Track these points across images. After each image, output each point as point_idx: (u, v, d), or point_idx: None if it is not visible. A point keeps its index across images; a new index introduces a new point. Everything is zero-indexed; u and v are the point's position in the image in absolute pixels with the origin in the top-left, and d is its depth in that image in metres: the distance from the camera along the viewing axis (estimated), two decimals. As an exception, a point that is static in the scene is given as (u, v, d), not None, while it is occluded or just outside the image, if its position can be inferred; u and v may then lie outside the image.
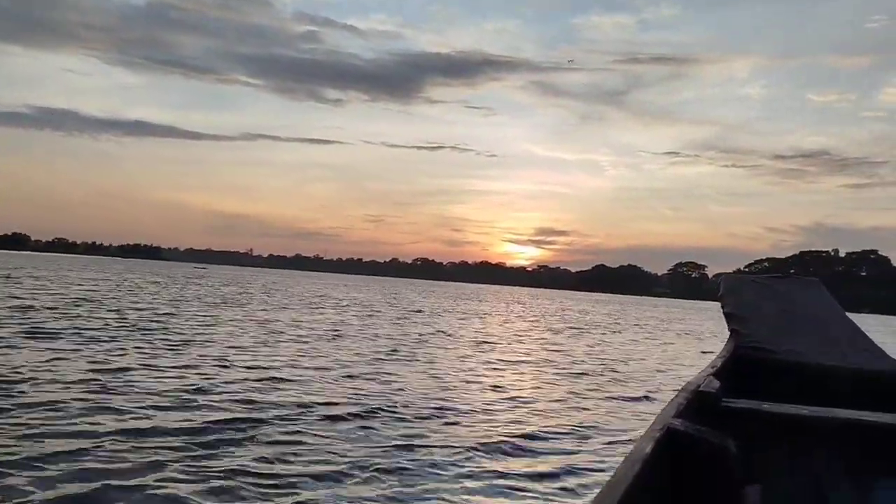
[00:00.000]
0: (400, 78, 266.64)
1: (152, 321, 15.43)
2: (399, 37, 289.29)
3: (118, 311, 17.51)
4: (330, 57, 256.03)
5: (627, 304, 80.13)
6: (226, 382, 8.25)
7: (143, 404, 6.68)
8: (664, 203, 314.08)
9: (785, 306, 4.74)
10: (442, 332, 19.23)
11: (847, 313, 4.70)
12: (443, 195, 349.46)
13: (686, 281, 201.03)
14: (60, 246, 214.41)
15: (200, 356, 10.30)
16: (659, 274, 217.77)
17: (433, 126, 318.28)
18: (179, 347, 11.17)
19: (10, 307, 15.87)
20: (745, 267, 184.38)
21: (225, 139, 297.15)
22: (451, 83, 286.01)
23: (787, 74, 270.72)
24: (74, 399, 6.65)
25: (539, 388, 9.90)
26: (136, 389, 7.41)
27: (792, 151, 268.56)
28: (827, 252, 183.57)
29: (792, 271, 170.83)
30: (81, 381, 7.59)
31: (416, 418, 7.05)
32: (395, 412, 7.24)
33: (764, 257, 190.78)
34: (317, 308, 26.43)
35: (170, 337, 12.58)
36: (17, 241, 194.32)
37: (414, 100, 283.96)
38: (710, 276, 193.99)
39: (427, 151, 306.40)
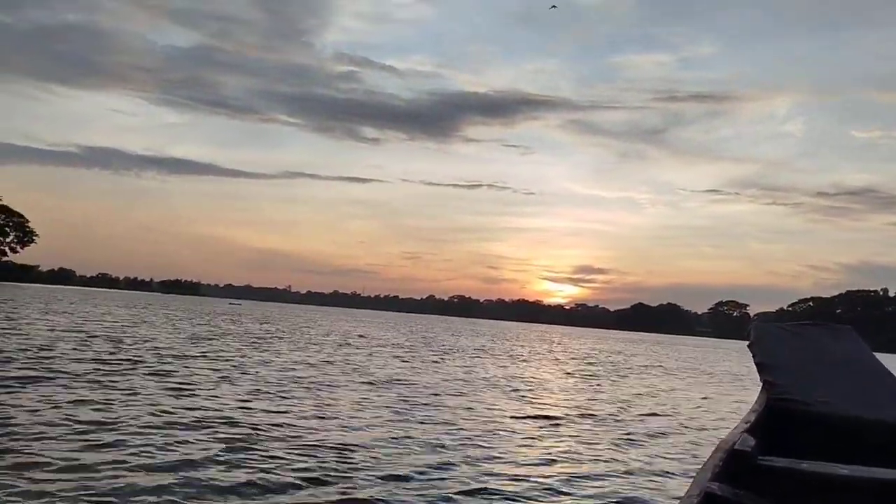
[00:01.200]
0: (438, 117, 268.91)
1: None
2: (437, 76, 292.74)
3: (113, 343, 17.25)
4: (369, 96, 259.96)
5: (668, 345, 78.19)
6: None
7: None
8: (704, 241, 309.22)
9: (817, 355, 4.55)
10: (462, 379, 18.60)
11: None
12: (480, 233, 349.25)
13: (728, 320, 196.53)
14: (104, 281, 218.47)
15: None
16: (699, 313, 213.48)
17: (471, 164, 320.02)
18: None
19: None
20: (789, 306, 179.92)
21: (265, 177, 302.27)
22: (488, 122, 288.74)
23: (829, 111, 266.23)
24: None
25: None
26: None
27: (835, 189, 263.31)
28: (875, 291, 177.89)
29: (838, 311, 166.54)
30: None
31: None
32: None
33: (808, 296, 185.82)
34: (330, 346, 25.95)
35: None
36: (63, 277, 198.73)
37: (451, 138, 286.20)
38: (752, 314, 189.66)
39: (464, 189, 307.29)
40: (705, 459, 2.64)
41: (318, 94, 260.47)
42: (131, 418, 8.09)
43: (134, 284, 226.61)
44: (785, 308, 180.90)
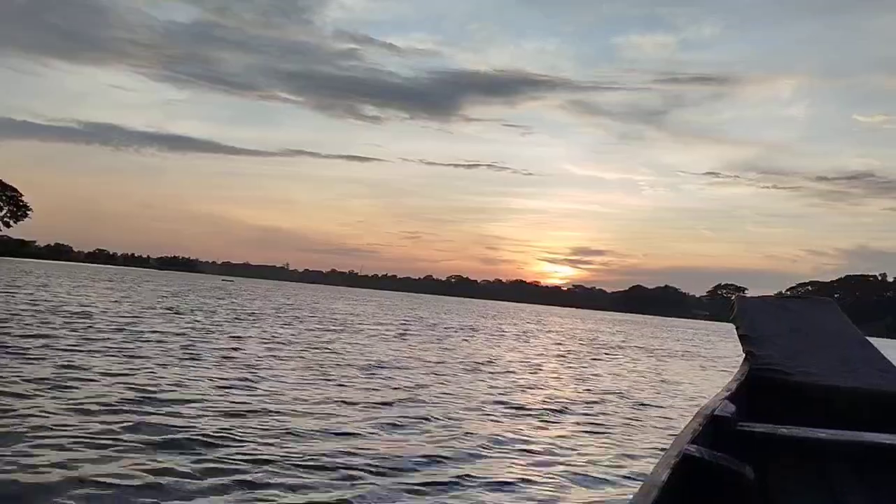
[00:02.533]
0: (438, 96, 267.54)
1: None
2: (438, 55, 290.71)
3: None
4: (369, 74, 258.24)
5: (665, 327, 77.73)
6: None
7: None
8: (703, 224, 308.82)
9: (799, 327, 4.65)
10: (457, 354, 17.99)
11: None
12: (479, 213, 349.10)
13: (726, 303, 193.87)
14: (101, 257, 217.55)
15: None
16: (697, 296, 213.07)
17: (471, 144, 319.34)
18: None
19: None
20: (787, 290, 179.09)
21: (265, 154, 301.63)
22: (489, 101, 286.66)
23: (832, 95, 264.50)
24: None
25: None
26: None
27: (835, 173, 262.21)
28: (874, 276, 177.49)
29: (837, 295, 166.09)
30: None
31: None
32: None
33: (806, 280, 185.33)
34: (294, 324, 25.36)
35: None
36: (59, 252, 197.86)
37: (452, 118, 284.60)
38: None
39: (464, 169, 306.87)
40: (685, 424, 2.64)
41: (318, 71, 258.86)
42: None
43: (131, 261, 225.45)
44: (784, 292, 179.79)
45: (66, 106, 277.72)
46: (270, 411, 7.76)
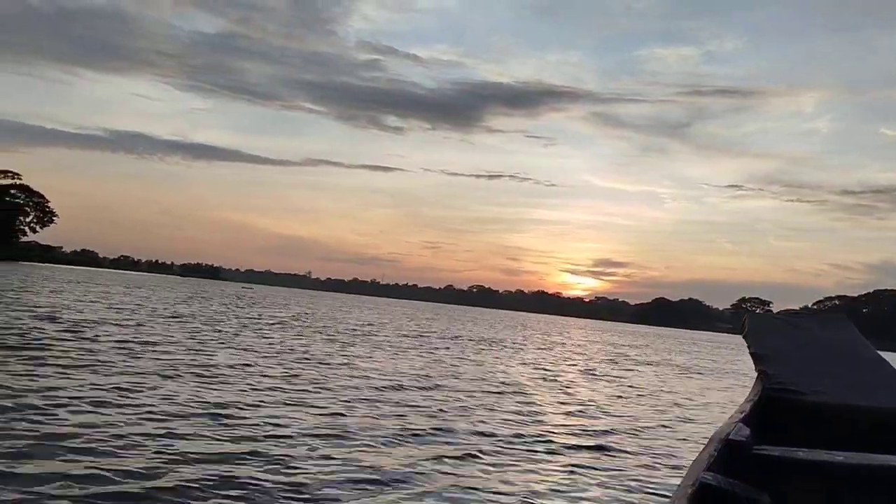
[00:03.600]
0: (460, 107, 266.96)
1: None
2: (460, 66, 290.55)
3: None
4: (392, 85, 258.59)
5: (697, 342, 76.46)
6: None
7: None
8: (725, 237, 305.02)
9: (812, 345, 4.57)
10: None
11: None
12: (501, 224, 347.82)
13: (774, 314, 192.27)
14: (126, 263, 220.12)
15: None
16: (721, 308, 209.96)
17: (492, 155, 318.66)
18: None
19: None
20: (814, 304, 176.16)
21: (288, 164, 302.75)
22: (511, 113, 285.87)
23: (857, 108, 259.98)
24: None
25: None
26: None
27: (861, 187, 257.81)
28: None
29: (865, 310, 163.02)
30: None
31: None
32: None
33: (833, 295, 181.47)
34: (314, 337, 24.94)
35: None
36: (85, 258, 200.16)
37: (474, 129, 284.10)
38: (775, 312, 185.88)
39: (486, 180, 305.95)
40: (700, 450, 2.60)
41: (341, 81, 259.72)
42: None
43: (155, 267, 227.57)
44: (810, 306, 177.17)
45: (92, 114, 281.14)
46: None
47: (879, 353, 4.45)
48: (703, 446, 2.70)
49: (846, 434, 3.50)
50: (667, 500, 1.88)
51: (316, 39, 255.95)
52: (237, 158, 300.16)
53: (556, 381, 15.26)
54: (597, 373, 19.13)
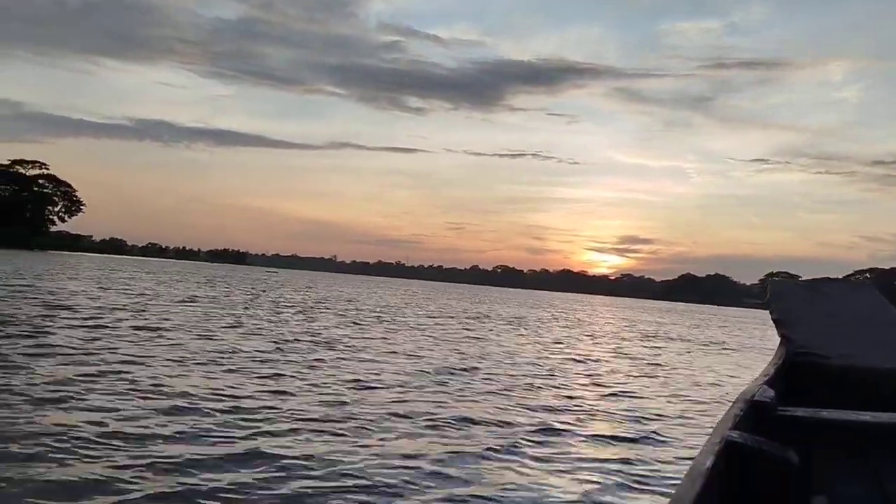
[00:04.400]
0: (482, 86, 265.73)
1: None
2: (481, 45, 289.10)
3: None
4: (413, 66, 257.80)
5: (726, 318, 75.52)
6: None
7: None
8: (752, 211, 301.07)
9: (835, 310, 4.57)
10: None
11: None
12: (524, 203, 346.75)
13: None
14: (153, 251, 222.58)
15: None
16: (748, 284, 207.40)
17: (515, 134, 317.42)
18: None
19: None
20: (843, 277, 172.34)
21: (311, 147, 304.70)
22: (532, 91, 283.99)
23: (886, 76, 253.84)
24: None
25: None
26: None
27: (892, 157, 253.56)
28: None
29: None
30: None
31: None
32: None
33: (865, 267, 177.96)
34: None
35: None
36: (114, 246, 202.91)
37: (496, 108, 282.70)
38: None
39: (508, 159, 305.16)
40: (725, 410, 2.59)
41: (362, 64, 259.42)
42: None
43: (182, 254, 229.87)
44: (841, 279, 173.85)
45: (118, 104, 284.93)
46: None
47: None
48: (728, 407, 2.69)
49: (870, 395, 3.49)
50: (692, 459, 1.75)
51: (337, 22, 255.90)
52: (261, 144, 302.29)
53: (586, 364, 14.92)
54: (639, 358, 18.76)
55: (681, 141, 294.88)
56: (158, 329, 13.39)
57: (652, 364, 15.54)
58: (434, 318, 26.58)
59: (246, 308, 22.52)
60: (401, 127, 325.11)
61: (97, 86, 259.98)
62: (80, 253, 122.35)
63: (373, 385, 9.04)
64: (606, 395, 10.02)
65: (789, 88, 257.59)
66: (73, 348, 9.78)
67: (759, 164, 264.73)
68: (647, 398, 10.07)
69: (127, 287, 28.31)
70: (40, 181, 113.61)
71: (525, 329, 24.57)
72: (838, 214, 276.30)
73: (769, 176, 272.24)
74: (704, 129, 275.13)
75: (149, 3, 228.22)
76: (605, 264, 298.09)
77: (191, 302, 22.79)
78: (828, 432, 2.70)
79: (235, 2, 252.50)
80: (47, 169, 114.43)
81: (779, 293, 4.92)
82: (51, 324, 12.54)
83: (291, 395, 7.90)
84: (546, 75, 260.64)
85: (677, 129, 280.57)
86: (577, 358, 15.41)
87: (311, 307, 26.22)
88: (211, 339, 12.69)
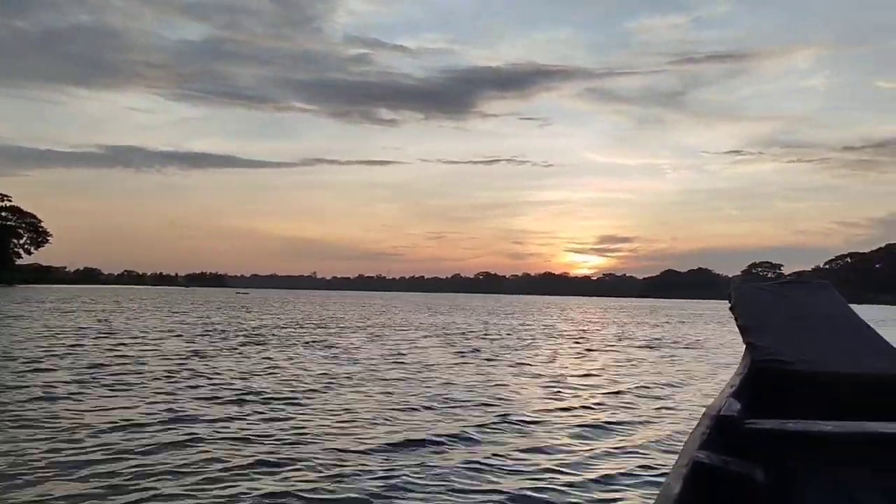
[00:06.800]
0: (452, 94, 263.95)
1: None
2: (449, 53, 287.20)
3: None
4: (382, 78, 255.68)
5: (701, 312, 74.40)
6: None
7: None
8: (729, 203, 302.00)
9: (797, 313, 4.59)
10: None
11: None
12: (502, 208, 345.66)
13: (763, 282, 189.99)
14: (130, 278, 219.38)
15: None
16: (731, 276, 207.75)
17: (488, 140, 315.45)
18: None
19: None
20: (825, 264, 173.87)
21: (285, 165, 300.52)
22: (504, 96, 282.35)
23: (853, 62, 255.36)
24: None
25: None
26: None
27: (862, 142, 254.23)
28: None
29: (877, 266, 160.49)
30: None
31: None
32: None
33: (845, 252, 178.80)
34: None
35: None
36: (89, 276, 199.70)
37: (468, 115, 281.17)
38: (786, 274, 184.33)
39: (483, 166, 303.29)
40: (692, 428, 2.65)
41: (331, 78, 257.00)
42: None
43: (160, 280, 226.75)
44: (821, 266, 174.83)
45: (87, 132, 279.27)
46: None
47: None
48: (695, 424, 2.70)
49: (835, 401, 3.51)
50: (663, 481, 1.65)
51: (303, 38, 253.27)
52: (234, 164, 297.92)
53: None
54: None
55: (654, 138, 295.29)
56: None
57: (557, 376, 13.88)
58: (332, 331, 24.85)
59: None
60: (374, 140, 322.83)
61: (65, 115, 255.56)
62: (49, 285, 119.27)
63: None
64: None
65: (758, 79, 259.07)
66: None
67: (733, 156, 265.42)
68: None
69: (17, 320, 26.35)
70: (3, 213, 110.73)
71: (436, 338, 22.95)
72: (813, 202, 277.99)
73: (744, 167, 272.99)
74: (677, 124, 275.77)
75: (112, 28, 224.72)
76: (587, 265, 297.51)
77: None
78: (795, 444, 2.68)
79: (199, 23, 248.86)
80: (10, 201, 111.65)
81: (742, 298, 4.89)
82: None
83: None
84: (516, 80, 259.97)
85: (650, 126, 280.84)
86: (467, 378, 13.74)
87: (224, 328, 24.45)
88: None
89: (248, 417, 7.92)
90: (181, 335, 20.18)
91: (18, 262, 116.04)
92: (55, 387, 9.64)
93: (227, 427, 7.36)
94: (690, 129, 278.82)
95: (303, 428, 7.40)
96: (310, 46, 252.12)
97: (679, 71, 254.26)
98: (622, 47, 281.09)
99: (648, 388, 11.45)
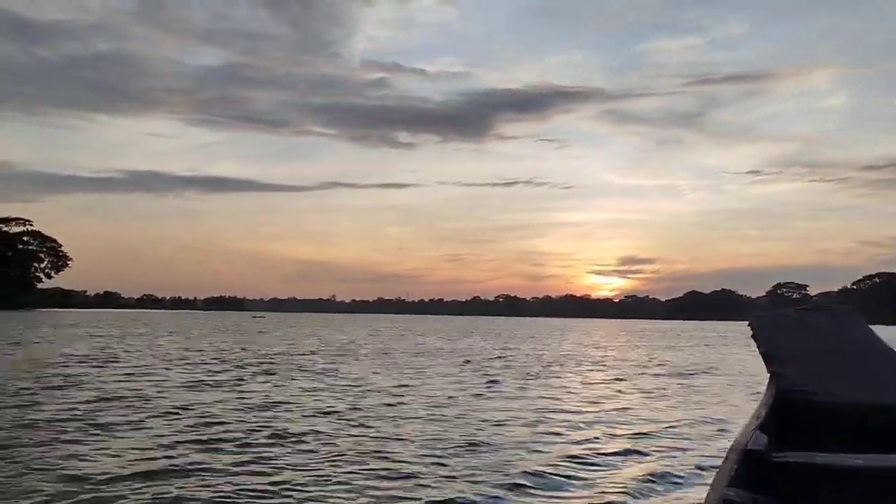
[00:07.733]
0: (471, 117, 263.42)
1: None
2: (467, 76, 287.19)
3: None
4: (400, 102, 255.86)
5: (727, 334, 72.36)
6: None
7: None
8: (748, 224, 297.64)
9: (821, 341, 4.47)
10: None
11: None
12: (521, 230, 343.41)
13: (788, 303, 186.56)
14: (149, 302, 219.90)
15: None
16: (755, 297, 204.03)
17: (506, 162, 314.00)
18: None
19: None
20: (853, 284, 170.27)
21: (303, 189, 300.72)
22: (521, 118, 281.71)
23: (872, 81, 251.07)
24: None
25: None
26: None
27: (883, 161, 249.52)
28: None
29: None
30: None
31: None
32: None
33: (870, 272, 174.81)
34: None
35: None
36: (108, 300, 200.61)
37: (486, 138, 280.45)
38: (812, 295, 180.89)
39: (502, 188, 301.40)
40: (720, 462, 2.57)
41: (349, 103, 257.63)
42: None
43: (179, 304, 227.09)
44: (849, 286, 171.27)
45: (107, 157, 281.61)
46: None
47: None
48: (723, 458, 2.63)
49: (863, 432, 3.39)
50: None
51: (321, 63, 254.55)
52: (252, 188, 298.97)
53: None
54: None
55: (673, 158, 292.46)
56: None
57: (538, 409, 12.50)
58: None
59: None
60: (391, 163, 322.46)
61: (86, 141, 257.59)
62: (70, 309, 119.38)
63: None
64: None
65: (776, 99, 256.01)
66: None
67: (752, 176, 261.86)
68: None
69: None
70: (24, 238, 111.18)
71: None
72: (835, 221, 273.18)
73: (763, 187, 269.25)
74: (695, 145, 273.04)
75: (133, 56, 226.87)
76: (608, 287, 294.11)
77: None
78: (824, 478, 2.60)
79: (219, 48, 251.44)
80: (31, 225, 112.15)
81: (764, 327, 4.80)
82: None
83: None
84: (534, 102, 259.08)
85: (668, 146, 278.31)
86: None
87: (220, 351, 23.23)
88: None
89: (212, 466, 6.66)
90: (177, 366, 19.05)
91: (39, 286, 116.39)
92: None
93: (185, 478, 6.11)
94: (709, 149, 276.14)
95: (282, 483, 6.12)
96: (328, 71, 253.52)
97: (696, 92, 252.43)
98: (638, 69, 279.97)
99: (700, 424, 10.10)
